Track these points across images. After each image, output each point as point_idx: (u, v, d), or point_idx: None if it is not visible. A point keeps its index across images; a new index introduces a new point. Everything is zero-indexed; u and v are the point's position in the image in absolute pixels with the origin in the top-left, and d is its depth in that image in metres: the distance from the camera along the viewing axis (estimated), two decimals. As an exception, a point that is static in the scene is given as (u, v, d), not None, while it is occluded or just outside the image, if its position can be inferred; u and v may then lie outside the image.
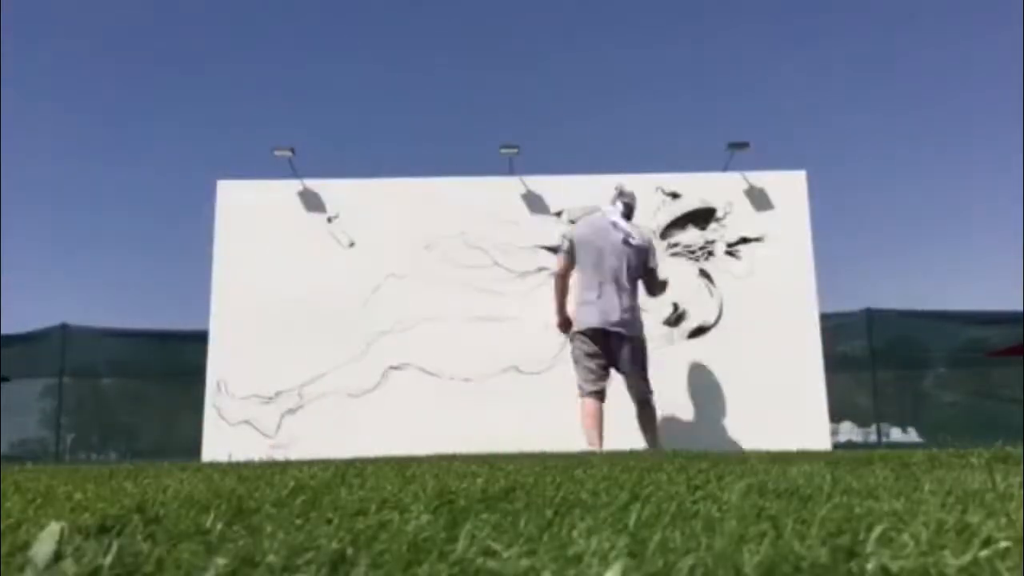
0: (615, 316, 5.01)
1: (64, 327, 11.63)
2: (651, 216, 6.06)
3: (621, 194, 5.34)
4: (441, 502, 1.49)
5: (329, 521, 1.25)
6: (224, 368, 5.84)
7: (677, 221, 6.08)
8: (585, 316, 5.08)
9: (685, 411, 5.71)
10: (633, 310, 5.10)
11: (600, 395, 5.01)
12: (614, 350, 5.04)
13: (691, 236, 6.06)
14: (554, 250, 6.02)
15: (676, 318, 5.93)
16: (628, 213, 5.30)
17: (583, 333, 5.07)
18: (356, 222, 6.00)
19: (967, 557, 0.79)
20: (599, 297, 5.05)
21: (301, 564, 0.85)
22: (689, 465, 2.59)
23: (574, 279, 5.24)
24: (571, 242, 5.24)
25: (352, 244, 6.00)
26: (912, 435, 12.18)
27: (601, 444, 4.91)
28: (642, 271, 5.23)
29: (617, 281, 5.07)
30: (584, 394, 5.02)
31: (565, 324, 5.29)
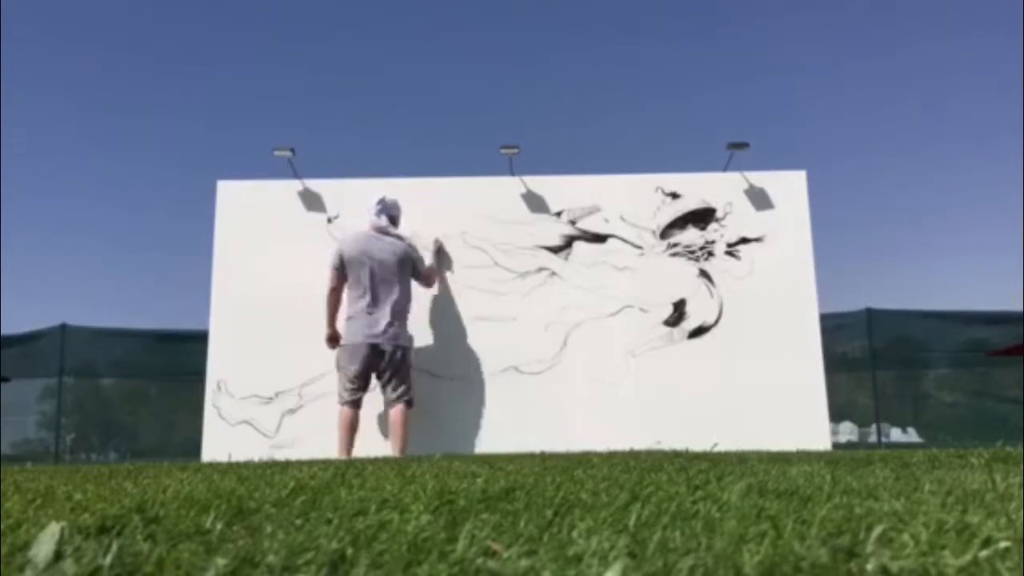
0: (377, 328, 5.28)
1: (64, 327, 11.62)
2: (651, 216, 6.06)
3: (383, 205, 5.53)
4: (441, 502, 1.49)
5: (329, 521, 1.25)
6: (224, 368, 5.84)
7: (677, 221, 6.07)
8: (350, 329, 5.34)
9: (685, 411, 5.71)
10: (399, 322, 5.36)
11: (356, 404, 5.31)
12: (378, 360, 5.30)
13: (691, 236, 6.05)
14: (555, 250, 6.01)
15: (676, 318, 5.92)
16: (393, 223, 5.55)
17: (350, 345, 5.32)
18: (356, 222, 5.99)
19: (967, 557, 0.79)
20: (366, 311, 5.31)
21: (301, 564, 0.85)
22: (689, 465, 2.59)
23: (345, 293, 5.44)
24: (341, 258, 5.40)
25: (352, 244, 5.99)
26: (912, 435, 12.17)
27: (350, 453, 5.18)
28: (411, 277, 5.54)
29: (383, 294, 5.34)
30: (341, 403, 5.30)
31: (333, 339, 5.45)
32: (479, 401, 5.78)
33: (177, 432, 11.21)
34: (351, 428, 5.27)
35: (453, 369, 5.84)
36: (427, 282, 5.73)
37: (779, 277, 5.94)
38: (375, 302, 5.34)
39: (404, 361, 5.38)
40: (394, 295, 5.37)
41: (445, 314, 5.93)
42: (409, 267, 5.50)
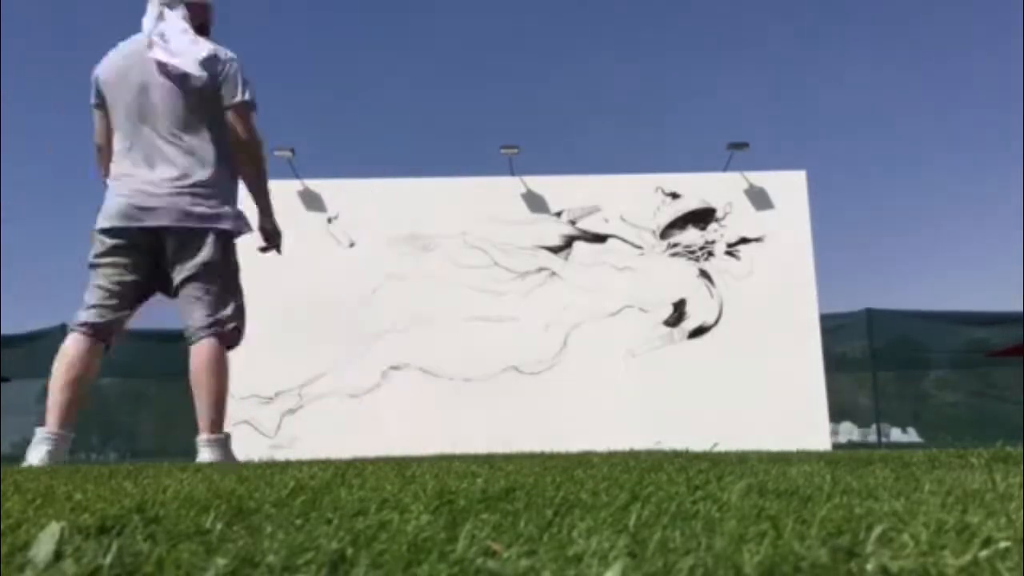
0: (157, 196, 3.05)
1: (64, 327, 11.61)
2: (651, 216, 6.06)
3: None
4: (441, 502, 1.49)
5: (329, 521, 1.25)
6: (224, 368, 5.84)
7: (677, 221, 6.08)
8: (107, 205, 3.11)
9: (685, 411, 5.71)
10: (197, 180, 3.08)
11: (98, 330, 3.09)
12: (153, 252, 3.11)
13: (691, 236, 6.06)
14: (555, 250, 6.02)
15: (676, 318, 5.92)
16: (199, 28, 3.24)
17: (103, 231, 3.10)
18: (356, 222, 5.99)
19: (967, 557, 0.79)
20: (132, 170, 3.10)
21: (301, 564, 0.85)
22: (689, 465, 2.59)
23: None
24: (98, 87, 3.21)
25: (352, 244, 6.00)
26: (912, 435, 12.19)
27: (65, 416, 3.14)
28: (217, 114, 3.16)
29: (164, 135, 3.10)
30: (74, 325, 3.13)
31: None
32: (479, 401, 5.78)
33: (177, 432, 11.21)
34: (82, 368, 3.07)
35: (453, 369, 5.84)
36: (243, 126, 3.19)
37: (779, 277, 5.95)
38: (152, 153, 3.10)
39: (213, 255, 3.10)
40: (189, 137, 3.12)
41: (444, 314, 5.93)
42: (210, 90, 3.15)
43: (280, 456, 5.24)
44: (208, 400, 3.28)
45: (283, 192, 6.16)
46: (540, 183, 6.18)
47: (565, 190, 6.15)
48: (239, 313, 3.25)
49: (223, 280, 3.15)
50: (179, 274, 3.10)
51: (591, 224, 6.06)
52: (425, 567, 0.82)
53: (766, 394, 5.73)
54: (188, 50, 3.10)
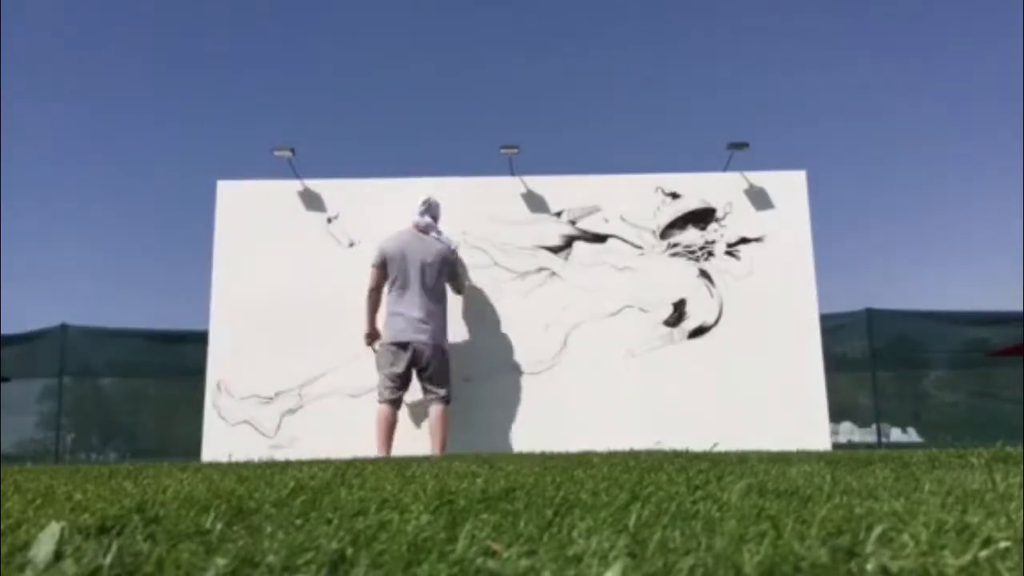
0: (415, 327, 5.33)
1: (64, 327, 11.62)
2: (651, 216, 6.05)
3: (427, 206, 5.61)
4: (441, 502, 1.49)
5: (329, 521, 1.25)
6: (224, 368, 5.83)
7: (677, 221, 6.07)
8: (389, 328, 5.37)
9: (685, 411, 5.70)
10: (434, 320, 5.39)
11: (395, 403, 5.31)
12: (416, 359, 5.31)
13: (691, 236, 6.05)
14: (555, 250, 6.01)
15: (676, 318, 5.92)
16: (435, 222, 5.66)
17: (387, 344, 5.35)
18: (356, 222, 5.98)
19: (967, 557, 0.79)
20: (402, 310, 5.36)
21: (301, 564, 0.85)
22: (689, 465, 2.59)
23: (385, 291, 5.50)
24: (382, 256, 5.46)
25: (352, 244, 5.99)
26: (912, 435, 12.18)
27: (389, 451, 5.18)
28: (448, 279, 5.59)
29: (419, 292, 5.38)
30: (381, 400, 5.30)
31: (372, 336, 5.51)
32: (479, 401, 5.78)
33: (177, 432, 11.21)
34: (389, 426, 5.27)
35: (453, 369, 5.83)
36: (456, 288, 5.73)
37: (779, 277, 5.94)
38: (413, 301, 5.36)
39: (442, 360, 5.39)
40: (432, 295, 5.42)
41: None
42: (446, 269, 5.55)
43: (280, 456, 5.24)
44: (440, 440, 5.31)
45: (283, 192, 6.16)
46: (540, 183, 6.17)
47: (565, 190, 6.14)
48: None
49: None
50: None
51: (591, 224, 6.05)
52: (425, 567, 0.82)
53: (766, 394, 5.72)
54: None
